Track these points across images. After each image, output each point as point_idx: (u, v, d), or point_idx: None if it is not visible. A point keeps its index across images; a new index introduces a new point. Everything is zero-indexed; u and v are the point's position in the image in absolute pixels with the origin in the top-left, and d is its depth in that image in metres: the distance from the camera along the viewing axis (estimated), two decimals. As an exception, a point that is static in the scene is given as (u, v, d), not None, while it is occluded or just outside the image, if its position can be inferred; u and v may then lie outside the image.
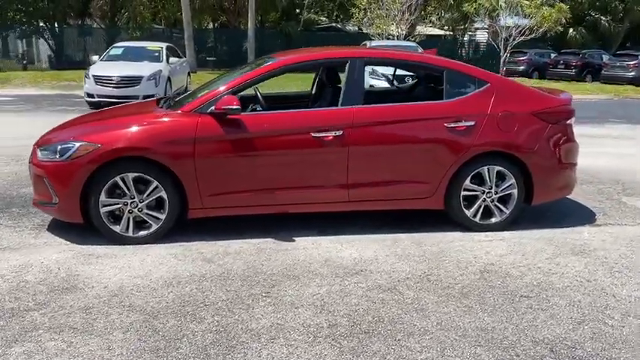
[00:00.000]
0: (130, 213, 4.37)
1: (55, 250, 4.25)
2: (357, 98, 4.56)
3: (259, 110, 4.93)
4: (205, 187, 4.39)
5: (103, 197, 4.30)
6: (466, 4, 25.05)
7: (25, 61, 30.04)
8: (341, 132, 4.44)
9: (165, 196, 4.36)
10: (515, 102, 4.77)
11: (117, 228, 4.38)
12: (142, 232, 4.42)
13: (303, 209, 4.70)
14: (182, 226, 4.58)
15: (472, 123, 4.61)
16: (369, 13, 23.06)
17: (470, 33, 36.74)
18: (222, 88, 4.49)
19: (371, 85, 10.99)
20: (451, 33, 34.44)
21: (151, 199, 4.37)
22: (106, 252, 4.23)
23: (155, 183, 4.33)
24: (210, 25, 29.03)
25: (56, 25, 26.14)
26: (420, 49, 15.12)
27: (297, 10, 29.29)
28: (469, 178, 4.70)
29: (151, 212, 4.40)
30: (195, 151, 4.30)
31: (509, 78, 5.35)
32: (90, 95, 13.10)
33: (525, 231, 4.85)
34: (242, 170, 4.42)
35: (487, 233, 4.75)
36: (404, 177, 4.63)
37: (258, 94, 5.02)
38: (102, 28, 26.10)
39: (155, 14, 26.63)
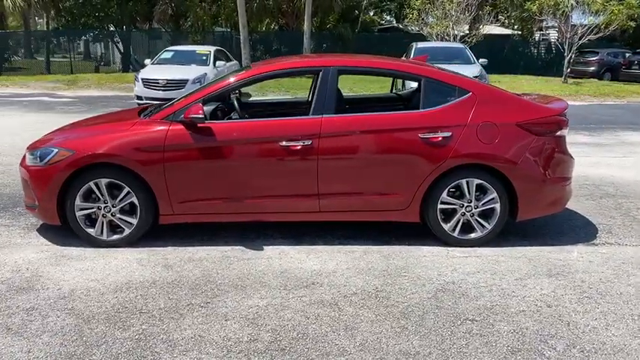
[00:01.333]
0: (104, 217, 4.53)
1: (34, 250, 4.47)
2: (329, 107, 4.49)
3: (235, 118, 4.97)
4: (175, 193, 4.47)
5: (78, 201, 4.47)
6: (528, 3, 24.00)
7: (102, 63, 31.92)
8: (310, 142, 4.39)
9: (136, 201, 4.48)
10: (498, 112, 4.52)
11: (92, 231, 4.55)
12: (115, 236, 4.57)
13: (273, 218, 4.69)
14: (161, 231, 4.70)
15: (449, 134, 4.42)
16: (423, 14, 22.59)
17: (540, 32, 35.19)
18: (192, 97, 4.56)
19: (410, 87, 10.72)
20: (519, 32, 33.09)
21: (123, 204, 4.50)
22: (79, 254, 4.41)
23: (127, 189, 4.46)
24: (268, 28, 29.49)
25: (124, 29, 27.42)
26: (468, 52, 14.68)
27: (356, 12, 29.22)
28: (446, 190, 4.51)
29: (123, 217, 4.54)
30: (165, 158, 4.39)
31: (496, 87, 5.06)
32: (139, 97, 13.67)
33: (509, 248, 4.60)
34: (211, 178, 4.47)
35: (465, 249, 4.54)
36: (376, 188, 4.51)
37: (235, 102, 5.05)
38: (167, 32, 27.17)
39: (215, 17, 27.41)
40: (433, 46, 16.02)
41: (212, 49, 15.87)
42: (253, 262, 4.28)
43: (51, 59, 28.24)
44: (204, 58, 15.05)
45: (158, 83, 13.47)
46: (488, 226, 4.58)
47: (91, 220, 4.57)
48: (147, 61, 15.51)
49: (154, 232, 4.69)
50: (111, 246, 4.54)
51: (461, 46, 15.55)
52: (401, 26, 33.15)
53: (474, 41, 21.56)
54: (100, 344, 3.09)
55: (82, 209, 4.51)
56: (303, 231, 4.86)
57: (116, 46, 28.25)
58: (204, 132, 4.42)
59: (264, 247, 4.57)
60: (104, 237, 4.55)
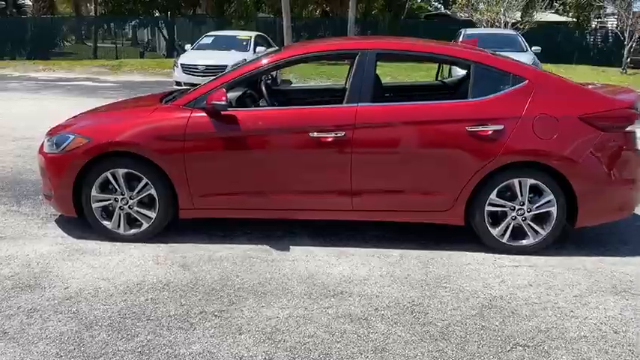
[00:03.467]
0: (121, 210, 4.23)
1: (48, 243, 4.22)
2: (365, 95, 4.04)
3: (262, 106, 4.57)
4: (196, 186, 4.13)
5: (94, 192, 4.19)
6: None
7: (148, 49, 32.20)
8: (343, 133, 3.96)
9: (155, 194, 4.16)
10: (558, 103, 3.98)
11: (108, 224, 4.26)
12: (133, 230, 4.26)
13: (302, 216, 4.30)
14: (185, 225, 4.38)
15: (500, 127, 3.91)
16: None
17: (597, 20, 33.49)
18: (216, 82, 4.19)
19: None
20: (574, 20, 31.49)
21: (141, 196, 4.19)
22: (94, 248, 4.13)
23: (145, 180, 4.15)
24: (312, 15, 29.01)
25: (169, 15, 27.48)
26: (521, 39, 13.86)
27: (403, -2, 28.42)
28: (495, 191, 4.01)
29: (141, 210, 4.23)
30: (185, 147, 4.05)
31: (557, 74, 4.49)
32: (178, 83, 13.49)
33: (566, 257, 4.06)
34: (234, 171, 4.11)
35: (515, 257, 4.04)
36: (415, 186, 4.05)
37: (264, 88, 4.64)
38: (211, 18, 27.08)
39: (259, 3, 27.13)
40: (483, 32, 15.22)
41: (253, 34, 15.57)
42: (277, 264, 3.90)
43: (99, 45, 28.67)
44: (245, 43, 14.75)
45: (197, 69, 13.26)
46: (543, 232, 4.06)
47: (108, 213, 4.28)
48: (187, 47, 15.34)
49: (176, 226, 4.37)
50: (128, 240, 4.25)
51: (513, 32, 14.73)
52: (449, 13, 32.09)
53: (526, 28, 20.56)
54: (97, 356, 2.77)
55: (98, 200, 4.22)
56: (333, 230, 4.45)
57: (161, 32, 28.39)
58: (228, 120, 4.04)
59: (291, 247, 4.18)
60: (121, 231, 4.26)
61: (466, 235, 4.25)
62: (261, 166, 4.09)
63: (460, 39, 13.61)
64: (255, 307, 3.28)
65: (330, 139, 3.96)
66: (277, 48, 4.71)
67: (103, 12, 29.77)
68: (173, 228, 4.37)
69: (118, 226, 4.25)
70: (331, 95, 5.30)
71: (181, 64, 13.48)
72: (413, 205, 4.11)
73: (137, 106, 4.73)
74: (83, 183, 4.17)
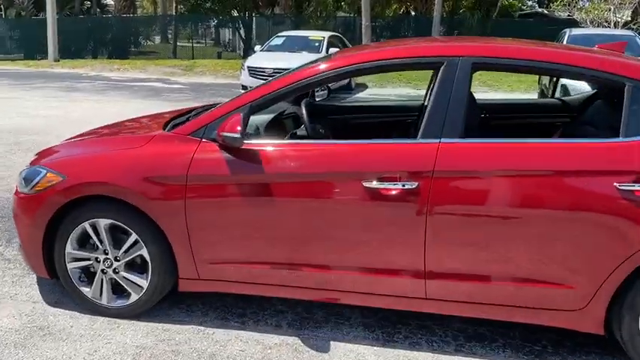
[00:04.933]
0: (104, 273, 3.09)
1: (11, 311, 3.15)
2: (452, 126, 2.64)
3: (300, 136, 3.26)
4: (201, 249, 2.91)
5: (70, 248, 3.07)
6: None
7: (229, 49, 31.90)
8: (414, 184, 2.59)
9: (147, 255, 2.98)
10: None
11: (88, 291, 3.13)
12: (118, 302, 3.10)
13: (348, 300, 2.95)
14: (187, 293, 3.18)
15: (676, 186, 2.39)
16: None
17: None
18: (235, 102, 2.92)
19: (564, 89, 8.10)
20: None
21: (129, 257, 3.02)
22: (64, 327, 3.01)
23: (134, 236, 2.97)
24: (394, 13, 27.40)
25: (246, 15, 26.90)
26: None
27: (495, -5, 26.16)
28: (659, 287, 2.49)
29: (129, 276, 3.06)
30: (187, 194, 2.83)
31: None
32: (244, 87, 12.54)
33: None
34: (255, 231, 2.85)
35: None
36: (525, 271, 2.61)
37: (304, 111, 3.30)
38: (289, 18, 26.21)
39: (339, 1, 25.91)
40: (592, 32, 13.10)
41: (326, 34, 14.36)
42: (308, 378, 2.59)
43: (182, 44, 28.55)
44: (317, 44, 13.57)
45: (264, 72, 12.21)
46: None
47: (89, 275, 3.15)
48: (256, 48, 14.38)
49: (176, 295, 3.18)
50: (112, 315, 3.10)
51: (630, 33, 12.53)
52: (546, 12, 29.39)
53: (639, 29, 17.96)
54: None
55: (75, 259, 3.10)
56: (396, 319, 3.08)
57: (238, 32, 27.88)
58: (247, 157, 2.79)
59: (332, 344, 2.86)
60: (104, 301, 3.11)
61: (598, 342, 2.75)
62: (293, 226, 2.80)
63: (565, 40, 11.71)
64: None
65: (394, 192, 2.61)
66: (327, 55, 3.26)
67: (183, 11, 29.71)
68: (173, 297, 3.18)
69: (100, 294, 3.11)
70: (404, 117, 3.92)
71: (248, 67, 12.50)
72: (520, 298, 2.67)
73: (133, 131, 3.56)
74: (56, 235, 3.06)
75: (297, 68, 3.12)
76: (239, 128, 2.65)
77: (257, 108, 2.89)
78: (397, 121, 3.94)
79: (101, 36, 25.91)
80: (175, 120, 3.34)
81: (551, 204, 2.53)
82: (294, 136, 3.24)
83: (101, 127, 3.79)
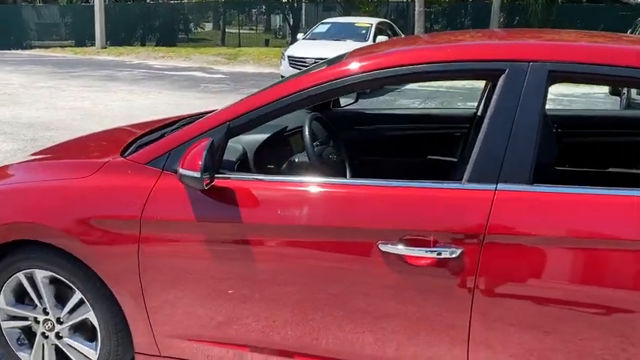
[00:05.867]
0: (45, 337, 2.38)
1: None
2: (516, 166, 1.75)
3: (296, 166, 2.40)
4: (162, 318, 2.15)
5: (3, 303, 2.38)
6: None
7: (280, 36, 31.19)
8: (457, 251, 1.73)
9: (94, 319, 2.25)
10: None
11: (26, 357, 2.43)
12: (62, 375, 2.40)
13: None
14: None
15: None
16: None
17: None
18: (207, 122, 2.11)
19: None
20: None
21: (74, 320, 2.30)
22: (-8, 405, 2.33)
23: (78, 294, 2.24)
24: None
25: (295, 0, 26.12)
26: None
27: (561, -22, 24.29)
28: None
29: (75, 344, 2.34)
30: (141, 246, 2.06)
31: None
32: (283, 78, 11.78)
33: None
34: (230, 299, 2.05)
35: None
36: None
37: (306, 129, 2.41)
38: (339, 3, 25.23)
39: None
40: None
41: (374, 21, 13.38)
42: None
43: (230, 31, 28.06)
44: (364, 32, 12.62)
45: (305, 62, 11.39)
46: None
47: (30, 336, 2.46)
48: (299, 36, 13.57)
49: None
50: (57, 390, 2.40)
51: None
52: (617, -4, 27.13)
53: None
54: None
55: (10, 318, 2.42)
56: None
57: (287, 18, 27.14)
58: (219, 199, 1.98)
59: None
60: (45, 372, 2.41)
61: None
62: (284, 297, 1.99)
63: (643, 29, 10.35)
64: None
65: (425, 262, 1.76)
66: (343, 54, 2.32)
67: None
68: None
69: (41, 362, 2.41)
70: (443, 147, 3.02)
71: (288, 57, 11.72)
72: None
73: (89, 152, 2.79)
74: (-13, 285, 2.38)
75: (296, 74, 2.30)
76: (200, 163, 1.84)
77: (238, 130, 2.07)
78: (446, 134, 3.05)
79: (150, 23, 25.72)
80: (145, 137, 2.56)
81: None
82: (291, 166, 2.40)
83: (67, 142, 3.07)
